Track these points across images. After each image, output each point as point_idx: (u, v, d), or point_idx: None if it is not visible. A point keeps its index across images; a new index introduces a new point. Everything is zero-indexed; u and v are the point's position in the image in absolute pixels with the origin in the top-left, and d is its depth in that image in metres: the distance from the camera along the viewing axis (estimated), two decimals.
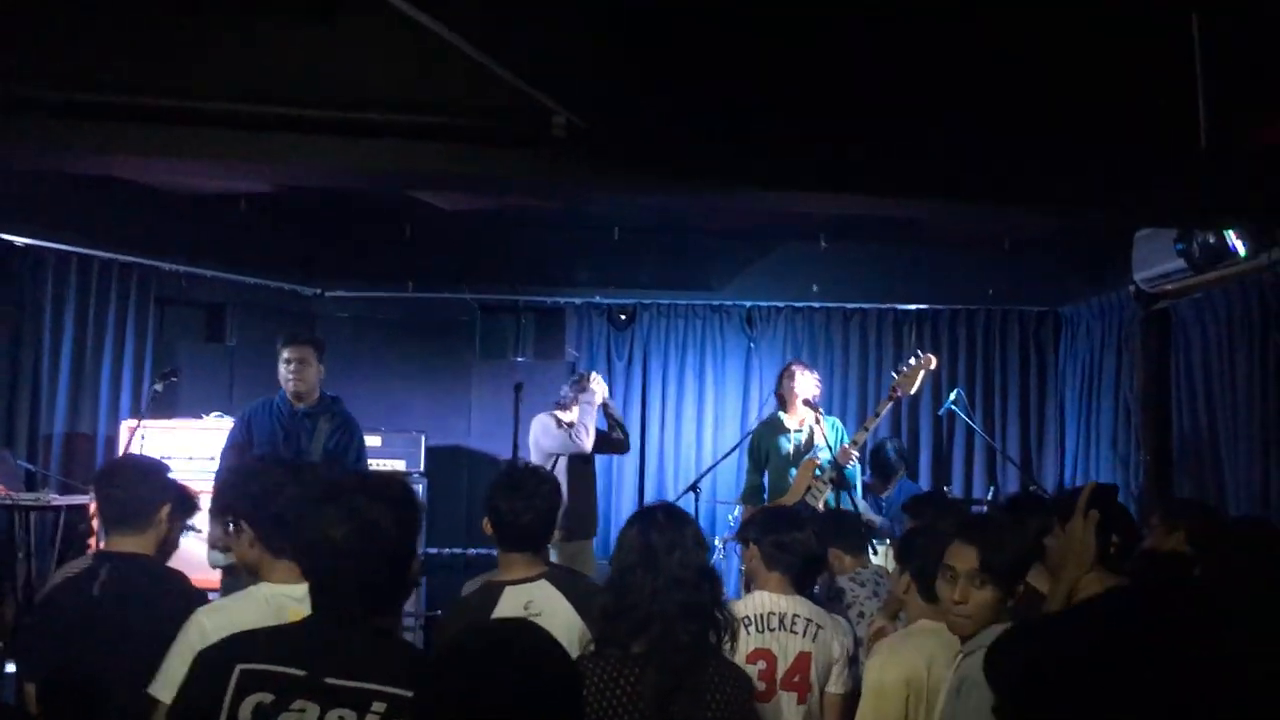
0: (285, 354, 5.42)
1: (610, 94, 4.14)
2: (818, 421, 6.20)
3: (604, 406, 6.42)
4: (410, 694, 1.90)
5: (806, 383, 6.30)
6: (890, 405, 6.62)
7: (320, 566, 2.09)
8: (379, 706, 1.93)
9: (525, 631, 1.73)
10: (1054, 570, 3.13)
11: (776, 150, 4.42)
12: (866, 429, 6.39)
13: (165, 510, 3.16)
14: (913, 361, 6.29)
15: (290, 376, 5.39)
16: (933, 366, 6.32)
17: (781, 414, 6.39)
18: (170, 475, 3.31)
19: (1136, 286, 6.61)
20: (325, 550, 2.06)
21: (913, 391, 6.41)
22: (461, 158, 4.10)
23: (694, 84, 4.27)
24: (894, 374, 6.41)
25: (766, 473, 6.39)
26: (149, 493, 3.15)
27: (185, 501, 3.29)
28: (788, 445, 6.30)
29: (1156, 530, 4.01)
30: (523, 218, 7.43)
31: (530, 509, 3.17)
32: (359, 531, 2.05)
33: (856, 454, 6.12)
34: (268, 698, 1.93)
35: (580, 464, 6.24)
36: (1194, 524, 3.71)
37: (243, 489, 2.82)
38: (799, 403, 6.26)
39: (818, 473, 6.03)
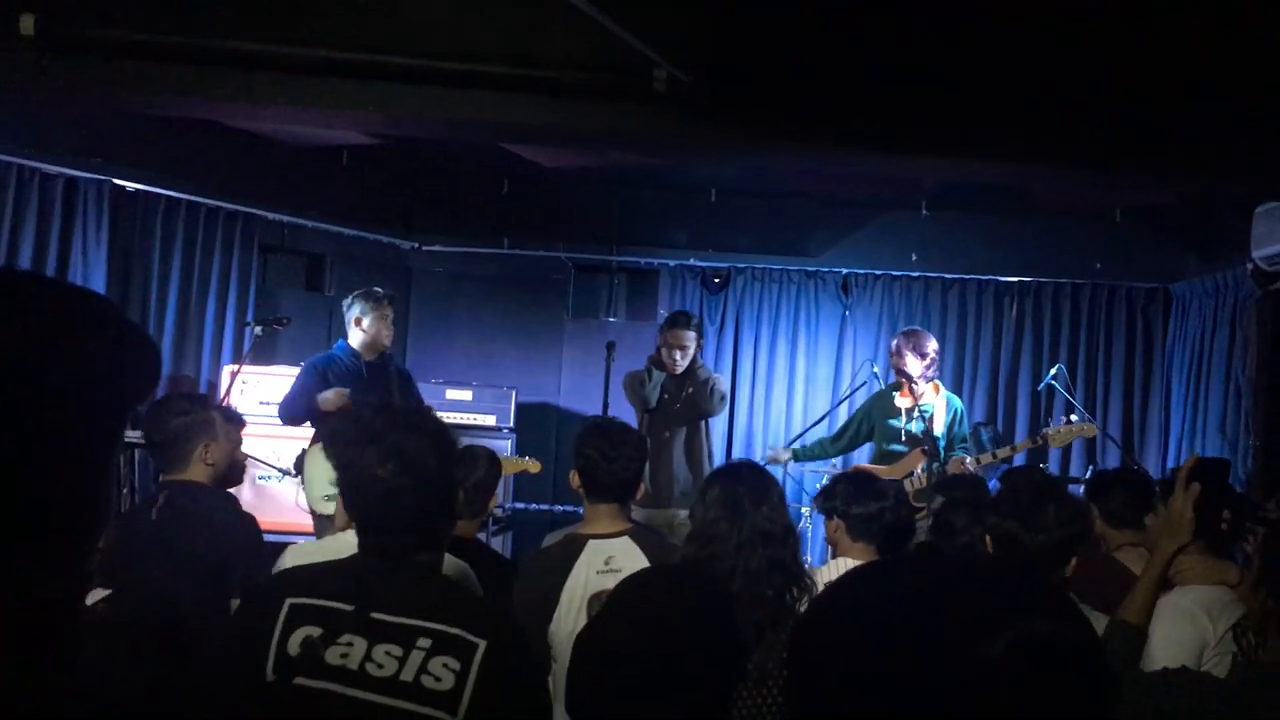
0: (388, 312, 5.80)
1: (713, 49, 4.07)
2: (937, 393, 5.96)
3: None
4: (456, 631, 1.93)
5: (911, 362, 5.94)
6: (1029, 447, 6.36)
7: (369, 505, 2.10)
8: (424, 642, 1.93)
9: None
10: (1151, 547, 3.03)
11: (883, 112, 4.32)
12: (996, 457, 6.11)
13: (204, 446, 3.25)
14: (1074, 420, 6.05)
15: (387, 332, 5.78)
16: (1091, 435, 6.17)
17: (895, 392, 6.09)
18: (206, 411, 3.36)
19: (1254, 264, 6.34)
20: (374, 488, 2.07)
21: (1059, 447, 6.22)
22: (562, 111, 4.09)
23: (798, 41, 4.19)
24: (1047, 427, 6.22)
25: (872, 444, 6.22)
26: (184, 431, 3.24)
27: (229, 431, 3.37)
28: (896, 426, 6.00)
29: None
30: (620, 177, 7.40)
31: (619, 458, 3.16)
32: (405, 467, 2.06)
33: (972, 469, 5.68)
34: (316, 631, 1.96)
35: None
36: None
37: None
38: (908, 381, 5.94)
39: (922, 468, 5.78)
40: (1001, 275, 7.92)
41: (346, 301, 5.87)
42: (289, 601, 2.00)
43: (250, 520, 3.27)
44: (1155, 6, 4.01)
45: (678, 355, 6.00)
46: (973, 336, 7.93)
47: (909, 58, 4.19)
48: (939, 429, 5.88)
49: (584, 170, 7.23)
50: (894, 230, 7.88)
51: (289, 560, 2.69)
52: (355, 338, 5.76)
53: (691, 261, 8.04)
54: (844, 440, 6.36)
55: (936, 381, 6.08)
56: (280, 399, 5.73)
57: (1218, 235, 6.93)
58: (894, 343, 6.22)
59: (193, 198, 6.71)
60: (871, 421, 6.22)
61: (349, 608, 1.97)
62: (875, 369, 6.89)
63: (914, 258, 7.89)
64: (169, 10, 4.08)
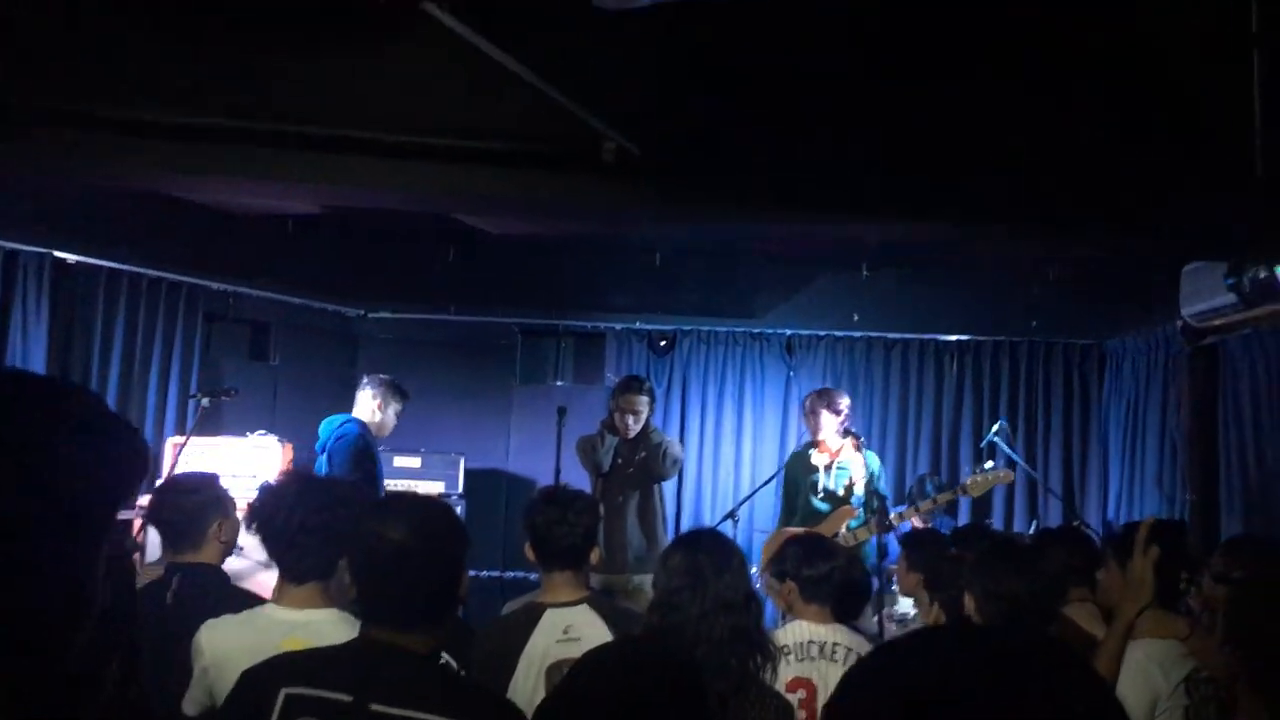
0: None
1: (660, 121, 4.16)
2: (856, 450, 6.04)
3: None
4: None
5: (825, 421, 6.11)
6: (950, 500, 6.49)
7: (377, 570, 2.06)
8: None
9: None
10: (1106, 607, 3.09)
11: (824, 179, 4.43)
12: (919, 510, 6.18)
13: (218, 524, 3.21)
14: (990, 467, 6.21)
15: (394, 425, 6.21)
16: (1009, 482, 6.45)
17: (811, 449, 6.22)
18: (217, 489, 3.34)
19: (1184, 321, 6.53)
20: (384, 552, 2.04)
21: (978, 495, 6.34)
22: (512, 182, 4.15)
23: (742, 113, 4.29)
24: (971, 472, 6.32)
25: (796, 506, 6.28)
26: (199, 509, 3.19)
27: (233, 510, 3.35)
28: (816, 481, 6.13)
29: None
30: (565, 242, 7.46)
31: (566, 522, 3.17)
32: (418, 533, 2.04)
33: (894, 524, 5.76)
34: None
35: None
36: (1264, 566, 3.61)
37: (260, 507, 2.84)
38: (825, 440, 6.11)
39: (851, 525, 5.90)
40: (941, 334, 8.08)
41: (369, 382, 6.15)
42: (284, 691, 1.93)
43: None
44: (1075, 75, 4.18)
45: (630, 420, 6.03)
46: (915, 394, 8.06)
47: (848, 127, 4.32)
48: (858, 488, 5.98)
49: (529, 237, 7.28)
50: (835, 291, 8.01)
51: (204, 636, 2.60)
52: (371, 417, 6.04)
53: (637, 325, 8.10)
54: (796, 514, 6.34)
55: (856, 439, 6.15)
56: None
57: (1148, 294, 7.13)
58: (806, 403, 6.33)
59: (135, 269, 6.65)
60: (794, 481, 6.31)
61: (347, 698, 1.92)
62: None
63: (855, 318, 8.02)
64: (112, 81, 4.08)
